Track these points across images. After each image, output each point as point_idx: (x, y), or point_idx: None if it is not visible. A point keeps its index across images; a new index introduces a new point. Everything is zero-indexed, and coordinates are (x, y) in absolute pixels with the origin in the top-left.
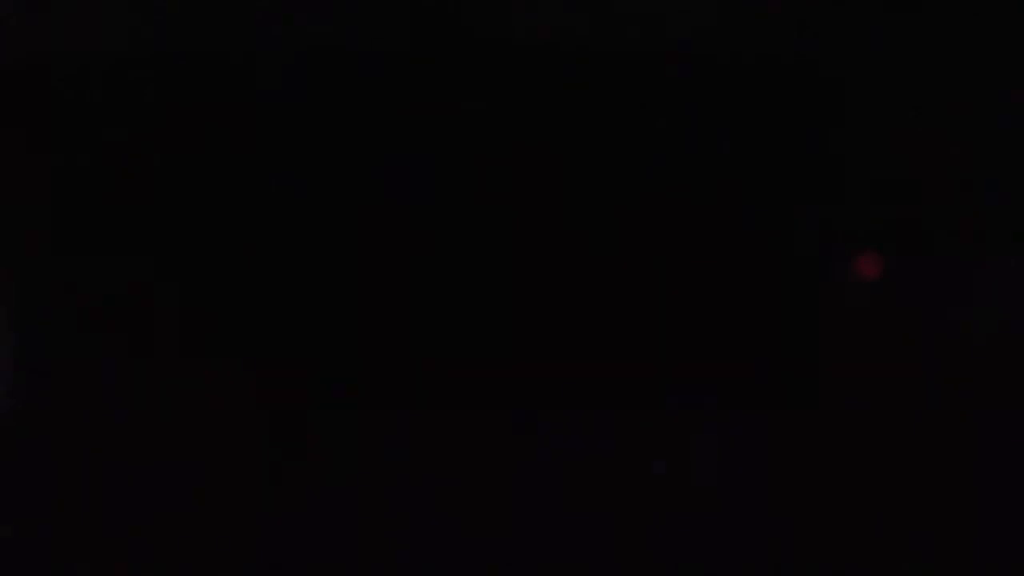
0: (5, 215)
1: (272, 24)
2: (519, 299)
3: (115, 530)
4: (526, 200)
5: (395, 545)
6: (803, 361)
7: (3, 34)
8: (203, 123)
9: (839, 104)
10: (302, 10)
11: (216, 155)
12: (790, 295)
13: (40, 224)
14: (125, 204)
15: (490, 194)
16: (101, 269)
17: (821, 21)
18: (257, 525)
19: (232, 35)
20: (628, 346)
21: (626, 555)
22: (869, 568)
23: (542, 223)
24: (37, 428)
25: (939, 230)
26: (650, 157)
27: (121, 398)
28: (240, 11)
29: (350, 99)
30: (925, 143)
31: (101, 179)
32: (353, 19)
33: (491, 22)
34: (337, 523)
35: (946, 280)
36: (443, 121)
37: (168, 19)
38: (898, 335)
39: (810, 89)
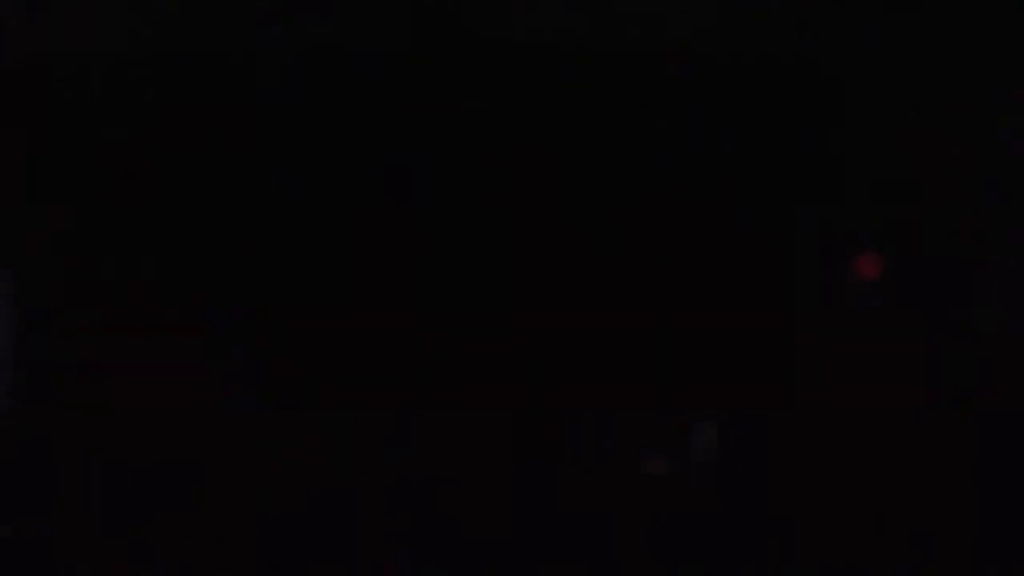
0: (5, 215)
1: (272, 24)
2: (519, 299)
3: (115, 530)
4: (526, 200)
5: (394, 545)
6: (803, 361)
7: (3, 34)
8: (203, 123)
9: (839, 104)
10: (302, 10)
11: (216, 155)
12: (790, 295)
13: (40, 224)
14: (125, 204)
15: (490, 194)
16: (101, 269)
17: (821, 21)
18: (257, 525)
19: (232, 35)
20: (628, 346)
21: (625, 555)
22: (869, 568)
23: (542, 223)
24: (37, 428)
25: (939, 230)
26: (650, 157)
27: (121, 398)
28: (240, 11)
29: (350, 99)
30: (925, 143)
31: (101, 179)
32: (353, 19)
33: (491, 22)
34: (337, 523)
35: (946, 280)
36: (443, 121)
37: (168, 19)
38: (898, 335)
39: (810, 89)
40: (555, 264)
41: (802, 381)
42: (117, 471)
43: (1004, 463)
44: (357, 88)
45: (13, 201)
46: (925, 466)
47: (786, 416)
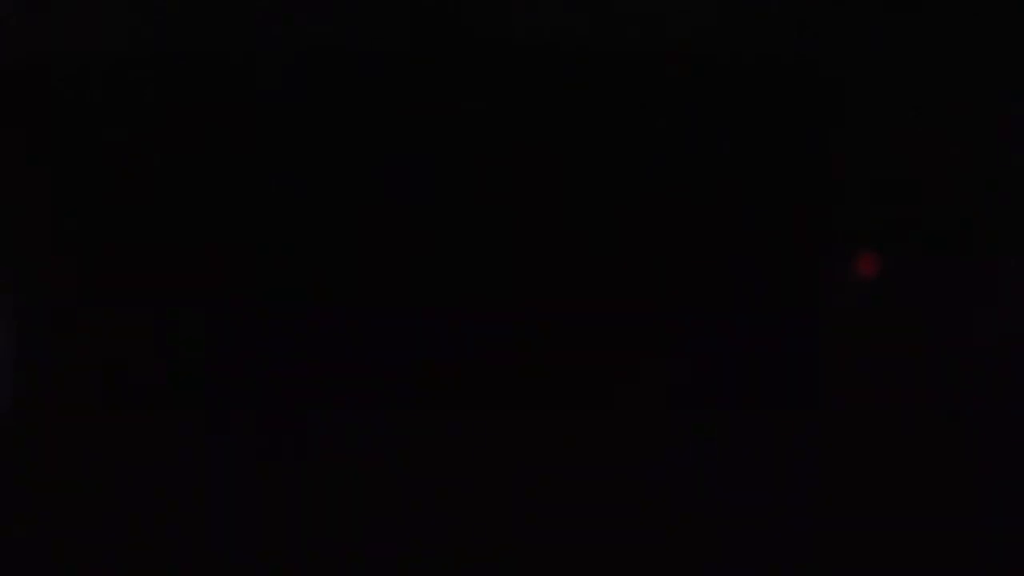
0: (5, 215)
1: (272, 24)
2: (518, 299)
3: (115, 530)
4: (526, 200)
5: (394, 545)
6: (803, 361)
7: (3, 34)
8: (203, 123)
9: (839, 104)
10: (302, 10)
11: (216, 155)
12: (790, 295)
13: (40, 224)
14: (125, 204)
15: (491, 194)
16: (101, 269)
17: (821, 21)
18: (257, 526)
19: (232, 35)
20: (628, 346)
21: (625, 554)
22: (870, 568)
23: (542, 223)
24: (37, 428)
25: (939, 230)
26: (650, 157)
27: (121, 398)
28: (240, 11)
29: (350, 99)
30: (925, 143)
31: (101, 179)
32: (353, 19)
33: (491, 22)
34: (336, 523)
35: (946, 280)
36: (443, 121)
37: (168, 19)
38: (898, 335)
39: (810, 89)
40: (555, 264)
41: (802, 381)
42: (117, 471)
43: (1004, 465)
44: (357, 88)
45: (13, 201)
46: (925, 467)
47: (785, 416)
